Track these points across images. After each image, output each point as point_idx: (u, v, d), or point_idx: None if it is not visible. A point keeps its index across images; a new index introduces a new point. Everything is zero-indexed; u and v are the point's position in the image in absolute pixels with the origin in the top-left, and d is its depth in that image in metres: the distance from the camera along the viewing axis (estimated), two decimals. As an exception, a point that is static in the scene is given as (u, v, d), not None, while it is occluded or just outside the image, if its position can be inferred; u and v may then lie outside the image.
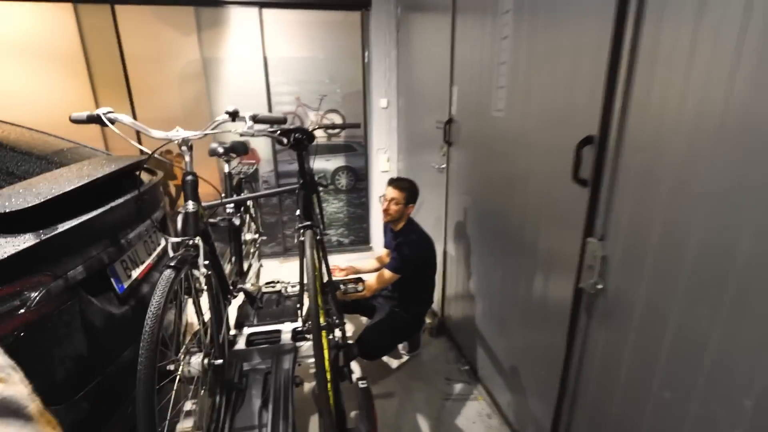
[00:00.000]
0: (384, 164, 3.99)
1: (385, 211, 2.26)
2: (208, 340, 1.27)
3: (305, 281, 1.24)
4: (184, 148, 1.24)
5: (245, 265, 2.08)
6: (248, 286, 1.92)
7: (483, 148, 2.07)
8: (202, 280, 1.23)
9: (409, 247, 2.24)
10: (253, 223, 2.28)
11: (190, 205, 1.26)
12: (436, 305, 2.85)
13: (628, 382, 1.21)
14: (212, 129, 1.23)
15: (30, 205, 1.13)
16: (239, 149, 1.94)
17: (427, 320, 2.71)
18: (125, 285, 1.39)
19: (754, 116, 0.83)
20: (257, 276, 2.48)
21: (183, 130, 1.21)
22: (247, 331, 1.97)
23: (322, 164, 4.03)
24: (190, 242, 1.24)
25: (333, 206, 4.21)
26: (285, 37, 3.59)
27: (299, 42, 3.63)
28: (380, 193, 2.31)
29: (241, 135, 1.23)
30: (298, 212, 1.49)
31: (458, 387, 2.30)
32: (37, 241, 1.11)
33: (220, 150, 1.86)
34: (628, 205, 1.16)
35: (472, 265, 2.32)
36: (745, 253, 0.86)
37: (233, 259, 1.90)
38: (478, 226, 2.22)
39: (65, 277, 1.19)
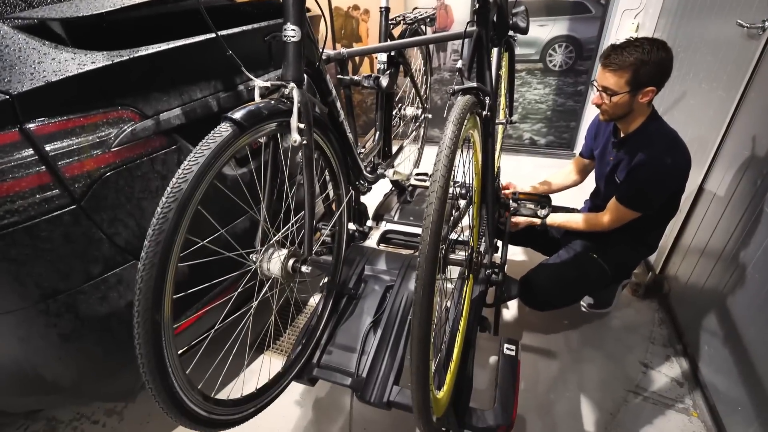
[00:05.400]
0: (628, 35, 2.70)
1: (598, 107, 1.38)
2: (301, 237, 0.92)
3: (434, 179, 0.71)
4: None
5: (395, 147, 1.63)
6: (390, 172, 1.48)
7: None
8: (294, 146, 0.83)
9: (660, 167, 1.33)
10: (416, 95, 1.74)
11: (290, 30, 0.81)
12: (653, 255, 1.93)
13: None
14: None
15: (102, 11, 0.87)
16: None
17: (634, 273, 1.87)
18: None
19: None
20: (416, 164, 2.04)
21: None
22: (383, 227, 1.62)
23: (532, 31, 3.01)
24: (284, 89, 0.82)
25: (535, 92, 3.23)
26: None
27: None
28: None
29: None
30: (458, 63, 0.87)
31: (659, 381, 1.54)
32: (110, 62, 0.86)
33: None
34: None
35: (759, 212, 1.31)
36: None
37: (377, 134, 1.46)
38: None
39: (156, 119, 0.96)
